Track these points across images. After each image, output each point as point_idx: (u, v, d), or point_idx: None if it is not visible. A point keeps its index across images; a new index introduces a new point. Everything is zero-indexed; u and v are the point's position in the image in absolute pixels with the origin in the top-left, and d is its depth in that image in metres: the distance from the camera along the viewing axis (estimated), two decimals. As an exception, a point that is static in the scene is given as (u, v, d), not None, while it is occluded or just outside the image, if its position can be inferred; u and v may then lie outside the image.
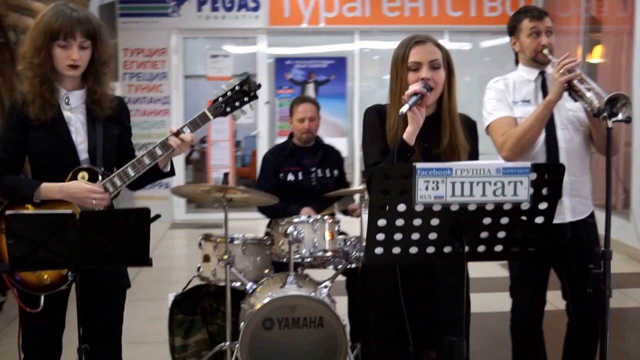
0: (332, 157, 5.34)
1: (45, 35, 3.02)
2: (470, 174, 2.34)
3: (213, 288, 4.76)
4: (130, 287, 3.40)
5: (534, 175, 2.37)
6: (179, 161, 11.50)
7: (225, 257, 4.42)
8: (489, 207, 2.39)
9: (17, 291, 3.11)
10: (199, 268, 4.71)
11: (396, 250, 2.45)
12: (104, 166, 3.16)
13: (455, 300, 3.10)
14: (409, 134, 2.95)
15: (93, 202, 3.04)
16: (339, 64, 11.25)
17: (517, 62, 4.00)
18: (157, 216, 2.65)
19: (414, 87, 2.94)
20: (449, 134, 3.07)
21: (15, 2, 10.05)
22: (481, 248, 2.48)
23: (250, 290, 4.42)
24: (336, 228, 4.55)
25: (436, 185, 2.33)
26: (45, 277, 3.03)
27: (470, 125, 3.19)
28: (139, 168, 3.15)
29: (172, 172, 3.36)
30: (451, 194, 2.35)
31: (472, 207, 2.39)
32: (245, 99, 3.29)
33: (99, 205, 3.07)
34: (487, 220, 2.42)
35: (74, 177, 3.10)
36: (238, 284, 4.49)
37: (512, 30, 3.93)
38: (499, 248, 2.49)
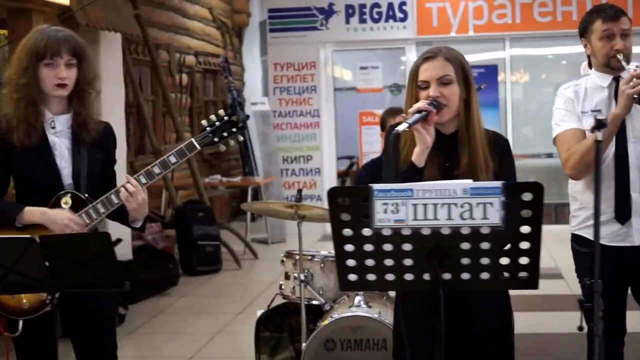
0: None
1: (31, 56, 3.01)
2: (434, 196, 2.13)
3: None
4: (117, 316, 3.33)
5: (507, 196, 2.13)
6: (332, 172, 11.53)
7: (301, 275, 4.37)
8: (465, 230, 2.17)
9: None
10: (280, 286, 4.68)
11: (371, 277, 2.28)
12: (87, 192, 3.11)
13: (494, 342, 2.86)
14: (417, 155, 2.75)
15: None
16: (490, 72, 10.85)
17: (590, 65, 3.64)
18: (119, 240, 2.62)
19: (417, 105, 2.74)
20: (467, 153, 2.83)
21: (170, 22, 10.52)
22: (465, 276, 2.25)
23: (328, 309, 4.33)
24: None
25: (396, 208, 2.14)
26: (24, 301, 3.00)
27: (500, 144, 2.93)
28: (109, 206, 3.10)
29: (141, 229, 3.28)
30: (413, 217, 2.15)
31: (445, 231, 2.18)
32: (233, 129, 3.20)
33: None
34: (465, 246, 2.20)
35: (57, 202, 3.06)
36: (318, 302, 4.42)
37: (583, 31, 3.56)
38: (485, 276, 2.26)
